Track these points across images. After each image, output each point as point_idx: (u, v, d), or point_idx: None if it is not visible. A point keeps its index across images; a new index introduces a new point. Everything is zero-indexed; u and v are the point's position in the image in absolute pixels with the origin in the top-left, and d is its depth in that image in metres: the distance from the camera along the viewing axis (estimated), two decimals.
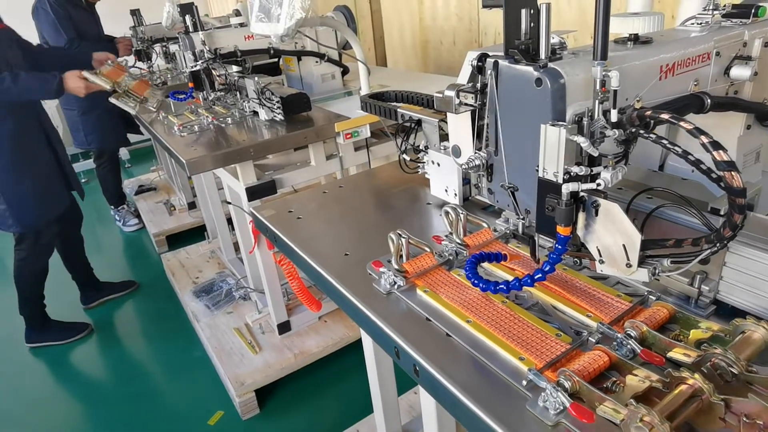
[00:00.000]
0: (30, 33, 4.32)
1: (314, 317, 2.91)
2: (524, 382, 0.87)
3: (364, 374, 1.91)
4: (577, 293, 1.06)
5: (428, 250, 1.22)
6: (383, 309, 1.10)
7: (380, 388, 1.89)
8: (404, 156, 1.64)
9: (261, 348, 2.78)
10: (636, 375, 0.82)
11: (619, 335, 0.91)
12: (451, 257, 1.24)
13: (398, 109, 1.63)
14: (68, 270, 3.77)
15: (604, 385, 0.84)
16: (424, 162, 1.59)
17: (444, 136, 1.49)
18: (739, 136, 1.33)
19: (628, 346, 0.89)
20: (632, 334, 0.90)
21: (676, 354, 0.85)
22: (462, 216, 1.25)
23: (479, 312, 1.03)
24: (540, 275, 0.94)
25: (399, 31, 4.71)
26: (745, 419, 0.72)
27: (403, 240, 1.18)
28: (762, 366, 0.80)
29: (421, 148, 1.60)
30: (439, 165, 1.51)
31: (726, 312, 1.00)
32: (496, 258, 1.11)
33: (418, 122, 1.57)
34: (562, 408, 0.80)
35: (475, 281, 1.01)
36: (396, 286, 1.16)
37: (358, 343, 2.71)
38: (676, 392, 0.75)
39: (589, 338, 0.95)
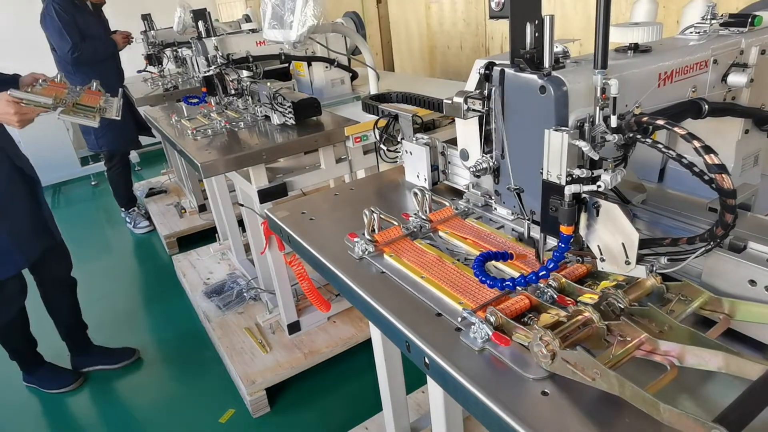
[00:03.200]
0: (42, 43, 4.44)
1: (324, 318, 2.97)
2: (459, 319, 1.05)
3: (373, 374, 1.96)
4: (516, 256, 1.24)
5: (396, 223, 1.42)
6: (394, 305, 1.15)
7: (389, 385, 1.94)
8: (382, 146, 1.86)
9: (271, 347, 2.84)
10: (549, 313, 1.00)
11: (542, 285, 1.07)
12: (415, 229, 1.44)
13: (379, 105, 1.77)
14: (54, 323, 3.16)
15: (522, 320, 1.02)
16: (399, 152, 1.79)
17: (417, 129, 1.77)
18: (737, 140, 1.38)
19: (548, 293, 1.05)
20: (553, 284, 1.07)
21: (584, 298, 1.03)
22: (428, 196, 1.47)
23: (432, 270, 1.23)
24: (544, 272, 0.99)
25: (406, 36, 4.76)
26: (619, 338, 0.91)
27: (375, 215, 1.39)
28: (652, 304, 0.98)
29: (398, 139, 1.80)
30: (411, 154, 1.69)
31: None
32: (503, 257, 1.16)
33: (396, 117, 1.78)
34: (486, 337, 0.98)
35: (483, 278, 1.06)
36: (367, 252, 1.35)
37: (366, 343, 2.77)
38: (572, 321, 0.93)
39: (518, 287, 1.09)
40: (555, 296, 1.05)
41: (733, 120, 1.35)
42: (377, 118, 1.87)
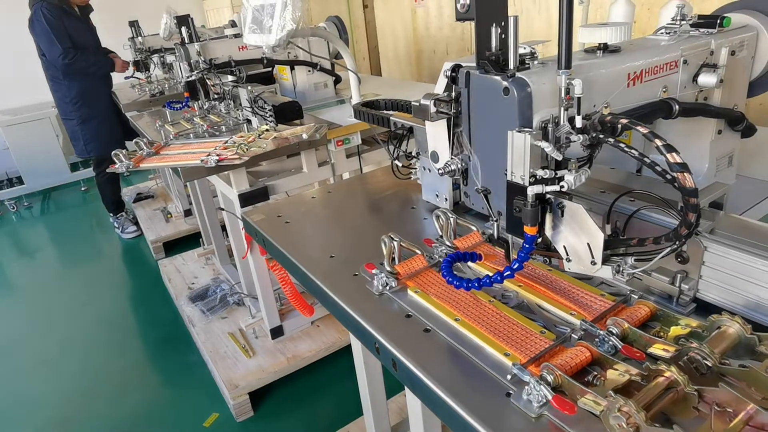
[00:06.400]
0: (31, 50, 4.42)
1: (307, 322, 2.95)
2: (509, 377, 0.90)
3: (356, 377, 1.96)
4: (562, 293, 1.10)
5: (419, 252, 1.26)
6: (365, 307, 1.14)
7: (369, 390, 1.93)
8: (396, 162, 1.68)
9: (255, 352, 2.82)
10: (616, 369, 0.85)
11: (601, 332, 0.94)
12: (441, 259, 1.26)
13: (391, 117, 1.68)
14: None
15: (586, 379, 0.87)
16: (415, 168, 1.65)
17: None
18: (711, 140, 1.39)
19: (610, 342, 0.92)
20: (614, 331, 0.93)
21: (656, 349, 0.88)
22: (452, 220, 1.30)
23: (467, 310, 1.07)
24: (509, 272, 0.98)
25: (393, 41, 4.77)
26: (716, 407, 0.76)
27: (395, 243, 1.22)
28: (736, 359, 0.83)
29: (413, 154, 1.65)
30: (429, 171, 1.57)
31: (706, 309, 1.01)
32: (471, 258, 1.15)
33: (410, 129, 1.61)
34: (545, 401, 0.83)
35: (449, 279, 1.05)
36: (388, 287, 1.19)
37: (350, 347, 2.76)
38: (653, 384, 0.78)
39: (572, 335, 0.97)
40: (619, 346, 0.91)
41: (707, 120, 1.36)
42: (391, 131, 1.68)
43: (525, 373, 0.87)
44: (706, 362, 0.81)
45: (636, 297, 1.06)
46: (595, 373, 0.88)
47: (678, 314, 0.99)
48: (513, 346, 0.96)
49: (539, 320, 1.05)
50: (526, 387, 0.85)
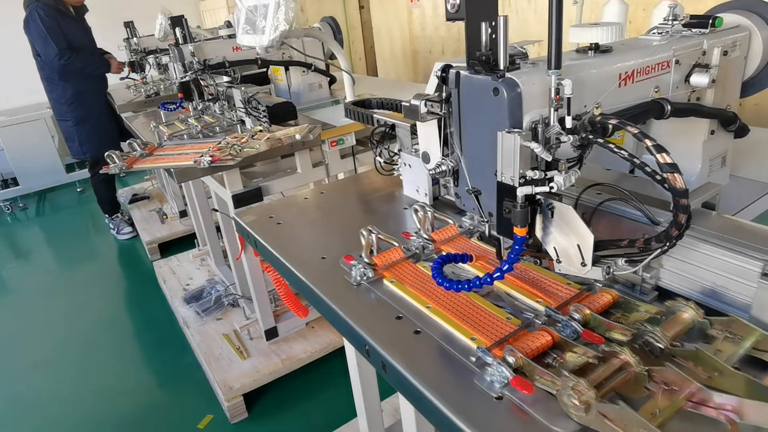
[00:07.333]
0: (26, 50, 4.41)
1: (301, 323, 2.94)
2: (473, 359, 0.94)
3: (350, 379, 1.95)
4: (530, 282, 1.13)
5: (396, 244, 1.30)
6: (354, 308, 1.13)
7: (363, 392, 1.92)
8: (379, 159, 1.72)
9: (249, 353, 2.82)
10: (575, 352, 0.89)
11: (563, 318, 0.97)
12: (417, 251, 1.31)
13: (374, 115, 1.70)
14: None
15: (546, 362, 0.91)
16: (397, 164, 1.68)
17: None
18: (703, 141, 1.38)
19: (572, 327, 0.95)
20: (576, 317, 0.97)
21: (615, 334, 0.92)
22: (429, 213, 1.35)
23: (438, 299, 1.12)
24: (498, 274, 0.98)
25: (389, 41, 4.76)
26: (663, 386, 0.80)
27: (373, 235, 1.26)
28: (690, 342, 0.88)
29: (395, 151, 1.68)
30: (410, 167, 1.60)
31: (668, 296, 1.04)
32: (462, 259, 1.15)
33: (393, 127, 1.65)
34: (505, 381, 0.87)
35: (440, 281, 1.05)
36: (365, 278, 1.23)
37: (344, 349, 2.75)
38: (607, 365, 0.83)
39: (536, 320, 1.01)
40: (579, 331, 0.94)
41: (699, 121, 1.35)
42: (373, 128, 1.73)
43: (488, 356, 0.91)
44: (658, 345, 0.86)
45: (600, 285, 1.09)
46: (555, 355, 0.92)
47: (639, 301, 1.03)
48: (480, 331, 1.00)
49: (507, 307, 1.09)
50: (489, 369, 0.89)
